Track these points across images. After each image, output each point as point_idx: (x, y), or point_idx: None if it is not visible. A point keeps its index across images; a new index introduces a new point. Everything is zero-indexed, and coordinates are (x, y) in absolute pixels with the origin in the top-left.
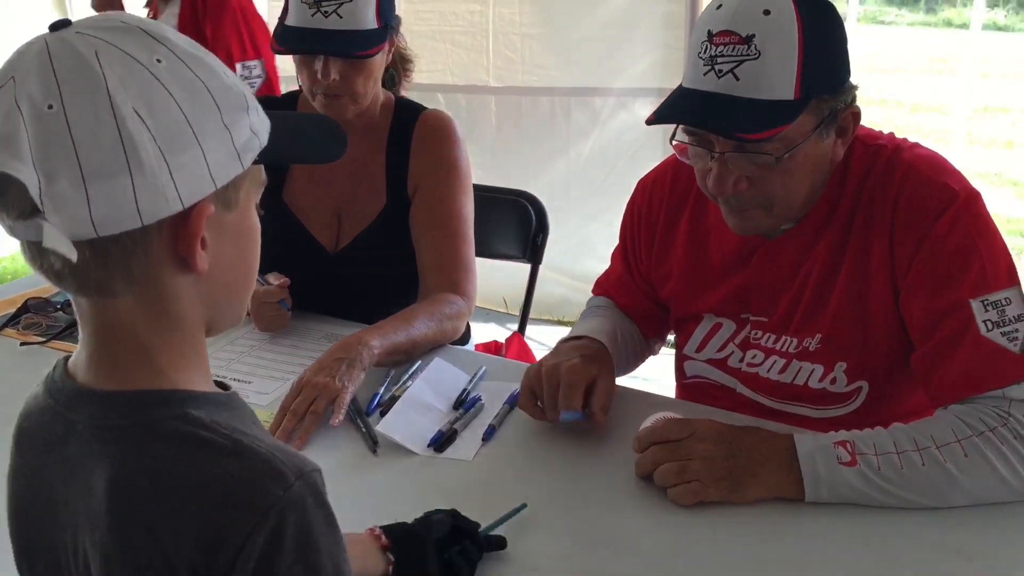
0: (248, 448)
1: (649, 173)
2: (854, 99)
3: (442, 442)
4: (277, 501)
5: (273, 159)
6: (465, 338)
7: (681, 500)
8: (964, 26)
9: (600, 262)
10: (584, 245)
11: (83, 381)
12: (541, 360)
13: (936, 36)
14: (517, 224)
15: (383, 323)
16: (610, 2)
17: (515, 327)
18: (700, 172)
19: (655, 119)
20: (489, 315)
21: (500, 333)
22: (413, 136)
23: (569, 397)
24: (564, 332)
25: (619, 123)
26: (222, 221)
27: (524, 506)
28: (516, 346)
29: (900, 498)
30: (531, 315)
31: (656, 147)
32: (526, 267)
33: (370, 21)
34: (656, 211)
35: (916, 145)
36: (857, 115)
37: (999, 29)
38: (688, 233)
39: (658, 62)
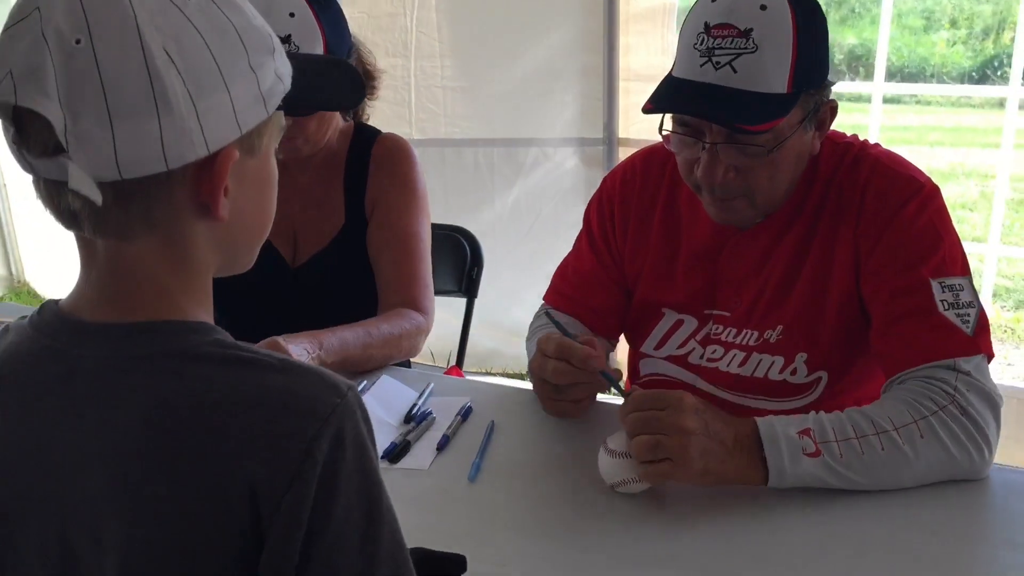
0: (296, 364)
1: (615, 168)
2: (829, 93)
3: (395, 453)
4: (336, 408)
5: (296, 105)
6: (407, 362)
7: (650, 480)
8: None
9: (529, 312)
10: (513, 296)
11: (92, 318)
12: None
13: None
14: (451, 258)
15: (339, 327)
16: (530, 55)
17: None
18: (686, 162)
19: (654, 108)
20: (416, 369)
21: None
22: (371, 158)
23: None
24: (492, 381)
25: (542, 173)
26: (245, 167)
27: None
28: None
29: (856, 483)
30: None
31: (579, 195)
32: (452, 316)
33: None
34: (629, 202)
35: (878, 145)
36: (834, 109)
37: None
38: (661, 227)
39: (579, 112)
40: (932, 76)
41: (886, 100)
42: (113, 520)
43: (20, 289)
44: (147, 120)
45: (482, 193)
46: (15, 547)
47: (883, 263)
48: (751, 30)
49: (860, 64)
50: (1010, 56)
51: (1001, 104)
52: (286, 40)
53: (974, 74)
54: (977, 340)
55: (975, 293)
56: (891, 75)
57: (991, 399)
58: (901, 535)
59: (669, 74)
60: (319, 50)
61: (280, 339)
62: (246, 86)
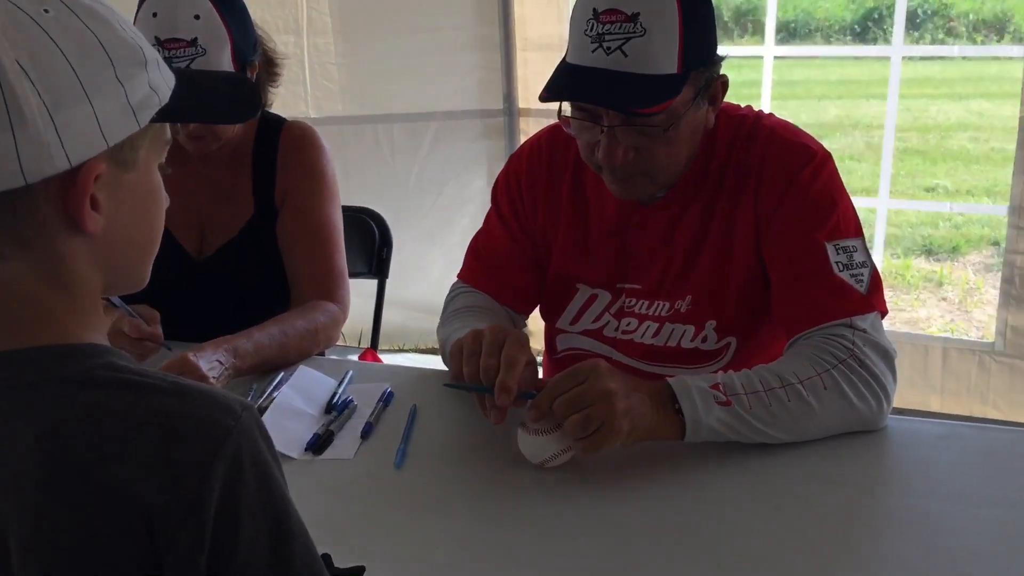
0: (188, 386)
1: (522, 146)
2: (720, 68)
3: (319, 444)
4: (230, 430)
5: (176, 118)
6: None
7: (588, 452)
8: None
9: (435, 286)
10: (418, 270)
11: None
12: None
13: None
14: (360, 240)
15: (252, 330)
16: (426, 28)
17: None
18: (587, 144)
19: (549, 96)
20: (334, 351)
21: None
22: (279, 148)
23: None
24: (405, 359)
25: (444, 146)
26: (119, 181)
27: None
28: (371, 360)
29: (766, 434)
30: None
31: (482, 166)
32: (363, 297)
33: (225, 64)
34: (537, 179)
35: (772, 115)
36: (726, 84)
37: None
38: (569, 204)
39: (478, 84)
40: (816, 30)
41: (777, 59)
42: (15, 549)
43: None
44: (2, 135)
45: (383, 169)
46: None
47: (781, 229)
48: (638, 14)
49: (748, 21)
50: (890, 8)
51: (881, 59)
52: (192, 43)
53: (856, 27)
54: (871, 299)
55: (868, 253)
56: (777, 30)
57: (887, 353)
58: (803, 487)
59: (564, 60)
60: (227, 50)
61: (190, 355)
62: (112, 98)
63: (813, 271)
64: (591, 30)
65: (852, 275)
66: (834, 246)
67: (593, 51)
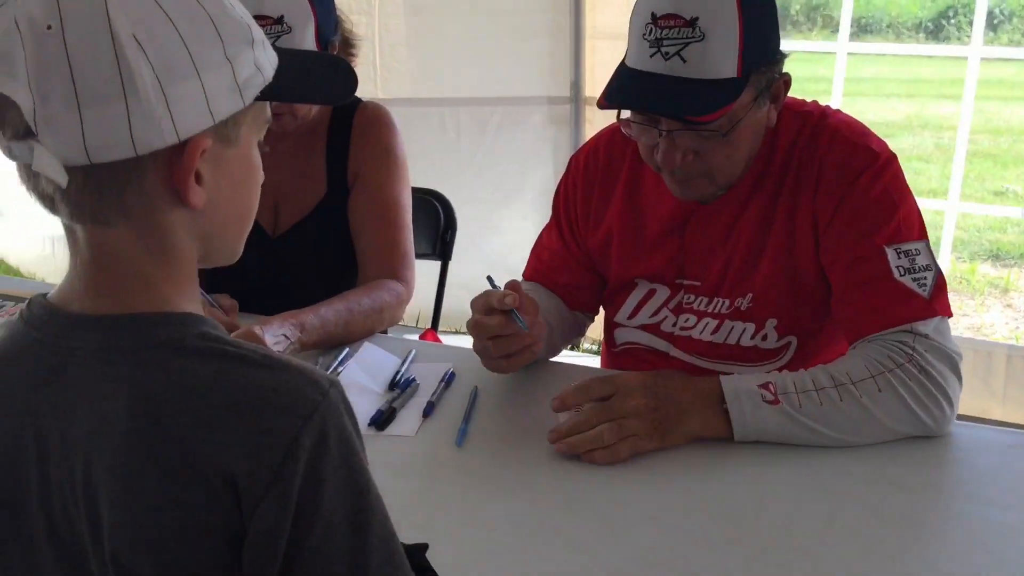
0: (279, 360)
1: (580, 149)
2: (783, 66)
3: (382, 421)
4: (317, 405)
5: (279, 97)
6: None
7: (621, 456)
8: None
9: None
10: (478, 254)
11: (80, 310)
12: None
13: None
14: (425, 222)
15: (318, 305)
16: (496, 13)
17: None
18: (646, 146)
19: (608, 104)
20: (396, 330)
21: None
22: (352, 127)
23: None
24: (463, 340)
25: (509, 132)
26: (221, 157)
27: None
28: (431, 340)
29: (821, 434)
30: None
31: (546, 153)
32: (426, 278)
33: (310, 47)
34: (590, 184)
35: (838, 111)
36: (788, 82)
37: None
38: (624, 203)
39: (545, 71)
40: (888, 27)
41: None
42: (106, 506)
43: None
44: (114, 105)
45: (448, 152)
46: (27, 534)
47: (841, 233)
48: (696, 19)
49: (818, 15)
50: (966, 7)
51: (955, 59)
52: (278, 21)
53: (929, 24)
54: (934, 303)
55: (932, 256)
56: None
57: (950, 358)
58: (866, 490)
59: (623, 62)
60: (311, 28)
61: (255, 328)
62: (220, 75)
63: (873, 276)
64: (649, 34)
65: (915, 279)
66: (895, 250)
67: (651, 55)
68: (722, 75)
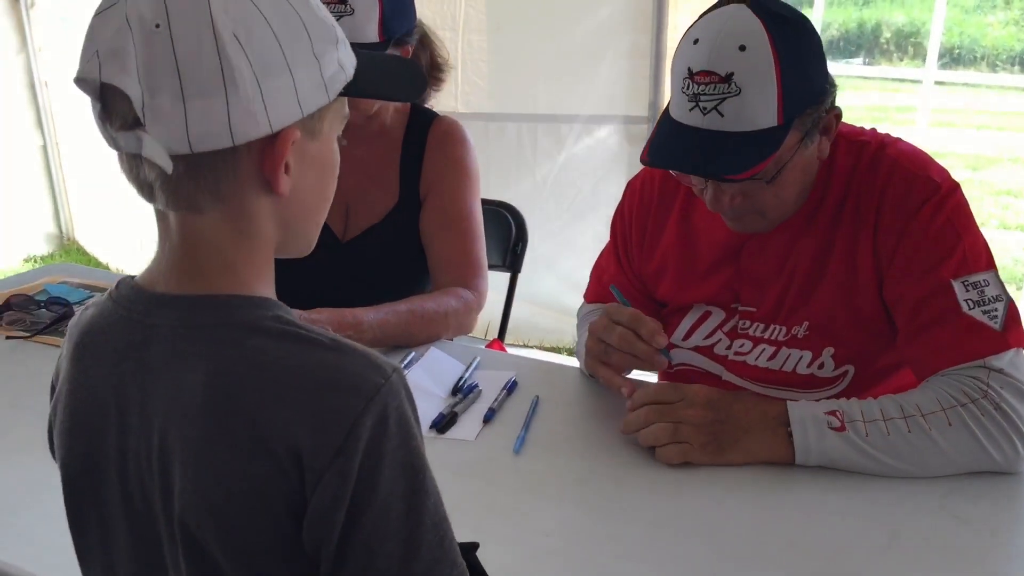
0: (346, 344)
1: (637, 175)
2: (834, 99)
3: (443, 424)
4: (381, 388)
5: (358, 93)
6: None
7: (669, 458)
8: None
9: (563, 285)
10: (550, 271)
11: (164, 290)
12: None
13: None
14: (496, 233)
15: (382, 306)
16: (577, 32)
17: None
18: (696, 187)
19: (649, 162)
20: (460, 342)
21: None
22: (428, 140)
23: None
24: (529, 354)
25: (585, 149)
26: (305, 149)
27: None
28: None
29: (886, 464)
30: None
31: (621, 172)
32: (496, 291)
33: (371, 35)
34: (646, 211)
35: (899, 140)
36: (839, 115)
37: None
38: (678, 229)
39: (623, 91)
40: (982, 58)
41: (937, 84)
42: (178, 474)
43: (70, 247)
44: (216, 98)
45: (524, 167)
46: (103, 499)
47: (903, 269)
48: (732, 74)
49: (909, 43)
50: None
51: None
52: (342, 1)
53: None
54: (1007, 334)
55: (1002, 286)
56: (941, 55)
57: None
58: (933, 524)
59: (667, 111)
60: (375, 16)
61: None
62: (309, 71)
63: (941, 313)
64: (687, 88)
65: (984, 311)
66: (962, 283)
67: (690, 110)
68: (762, 126)
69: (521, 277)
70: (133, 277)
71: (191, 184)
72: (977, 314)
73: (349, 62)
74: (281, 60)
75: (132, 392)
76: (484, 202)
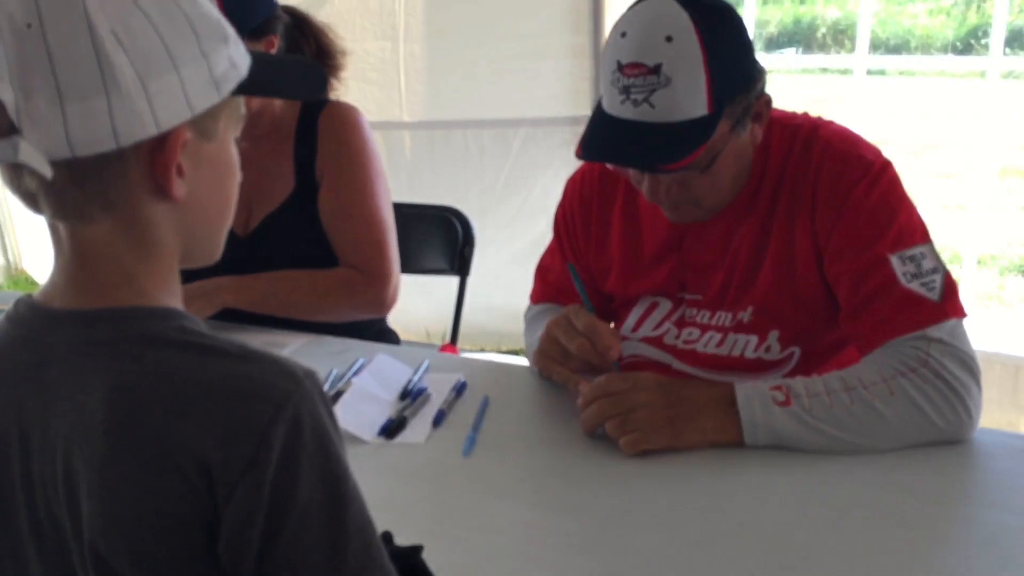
0: (254, 351)
1: (576, 171)
2: (764, 85)
3: (392, 429)
4: (292, 395)
5: (253, 92)
6: (396, 340)
7: (626, 451)
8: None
9: (518, 289)
10: (504, 275)
11: (61, 306)
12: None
13: None
14: (443, 238)
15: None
16: (516, 36)
17: None
18: (633, 178)
19: (584, 156)
20: (412, 347)
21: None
22: (319, 125)
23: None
24: (484, 357)
25: (532, 152)
26: (200, 150)
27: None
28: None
29: (832, 437)
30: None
31: (568, 172)
32: (446, 295)
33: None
34: (588, 206)
35: (830, 122)
36: (768, 101)
37: None
38: (622, 222)
39: (566, 92)
40: (916, 48)
41: (871, 73)
42: (85, 498)
43: (18, 277)
44: (96, 98)
45: (472, 173)
46: (14, 529)
47: (841, 247)
48: (660, 65)
49: (844, 37)
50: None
51: (982, 75)
52: None
53: (958, 44)
54: (944, 305)
55: (939, 258)
56: (875, 47)
57: (966, 363)
58: (881, 496)
59: (599, 105)
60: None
61: None
62: (196, 69)
63: (880, 287)
64: (617, 81)
65: (923, 283)
66: (899, 256)
67: (622, 102)
68: (693, 115)
69: (475, 282)
70: (31, 295)
71: (77, 191)
72: (915, 286)
73: (242, 60)
74: (165, 58)
75: (33, 415)
76: (430, 207)
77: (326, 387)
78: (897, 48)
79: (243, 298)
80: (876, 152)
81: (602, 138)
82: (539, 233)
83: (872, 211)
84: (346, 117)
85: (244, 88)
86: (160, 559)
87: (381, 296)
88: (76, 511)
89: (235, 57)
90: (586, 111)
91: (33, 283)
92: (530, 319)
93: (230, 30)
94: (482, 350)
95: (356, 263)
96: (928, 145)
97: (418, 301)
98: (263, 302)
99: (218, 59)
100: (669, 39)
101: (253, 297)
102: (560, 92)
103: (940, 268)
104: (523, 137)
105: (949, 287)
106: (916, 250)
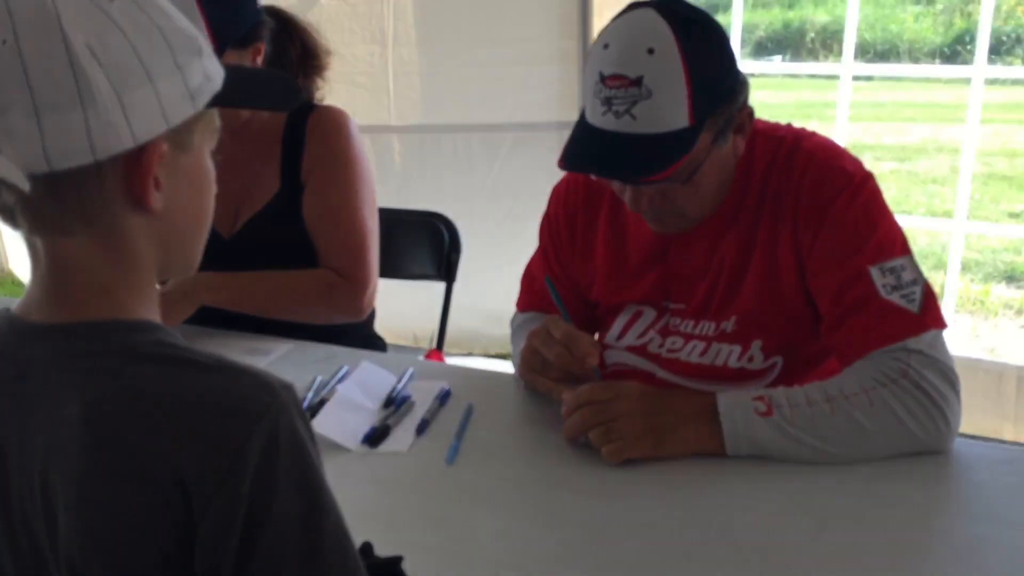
0: (231, 364)
1: (561, 180)
2: (746, 97)
3: (375, 437)
4: (269, 408)
5: (228, 103)
6: (383, 347)
7: (608, 459)
8: None
9: (506, 293)
10: (490, 278)
11: (38, 319)
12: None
13: None
14: (430, 243)
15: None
16: (505, 42)
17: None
18: (615, 187)
19: (565, 166)
20: (401, 352)
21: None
22: (307, 129)
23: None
24: (471, 362)
25: (520, 157)
26: (176, 163)
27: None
28: (436, 361)
29: (813, 448)
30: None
31: (557, 178)
32: (434, 300)
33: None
34: (572, 215)
35: (814, 134)
36: (751, 113)
37: None
38: (607, 231)
39: (554, 97)
40: (904, 53)
41: (859, 78)
42: (62, 512)
43: (4, 279)
44: (72, 112)
45: (460, 177)
46: None
47: (823, 259)
48: (641, 77)
49: (833, 41)
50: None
51: (968, 81)
52: None
53: (945, 50)
54: (924, 317)
55: (919, 270)
56: (863, 52)
57: (946, 374)
58: (861, 507)
59: (582, 115)
60: (201, 27)
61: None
62: (172, 82)
63: (860, 299)
64: (600, 92)
65: (903, 295)
66: (879, 268)
67: (603, 113)
68: (674, 127)
69: (463, 287)
70: (9, 309)
71: (54, 205)
72: (895, 298)
73: (216, 73)
74: (140, 71)
75: (10, 430)
76: (416, 212)
77: (310, 394)
78: (885, 54)
79: (221, 297)
80: (857, 164)
81: (584, 149)
82: (528, 237)
83: (852, 223)
84: (335, 120)
85: (219, 100)
86: (136, 573)
87: (358, 301)
88: (53, 524)
89: (209, 69)
90: (575, 117)
91: (20, 284)
92: (516, 328)
93: (204, 43)
94: (469, 354)
95: (335, 266)
96: (916, 150)
97: (405, 305)
98: (240, 301)
99: (193, 72)
100: (651, 51)
101: (231, 296)
102: (549, 97)
103: (920, 279)
104: (511, 142)
105: (929, 298)
106: (896, 262)
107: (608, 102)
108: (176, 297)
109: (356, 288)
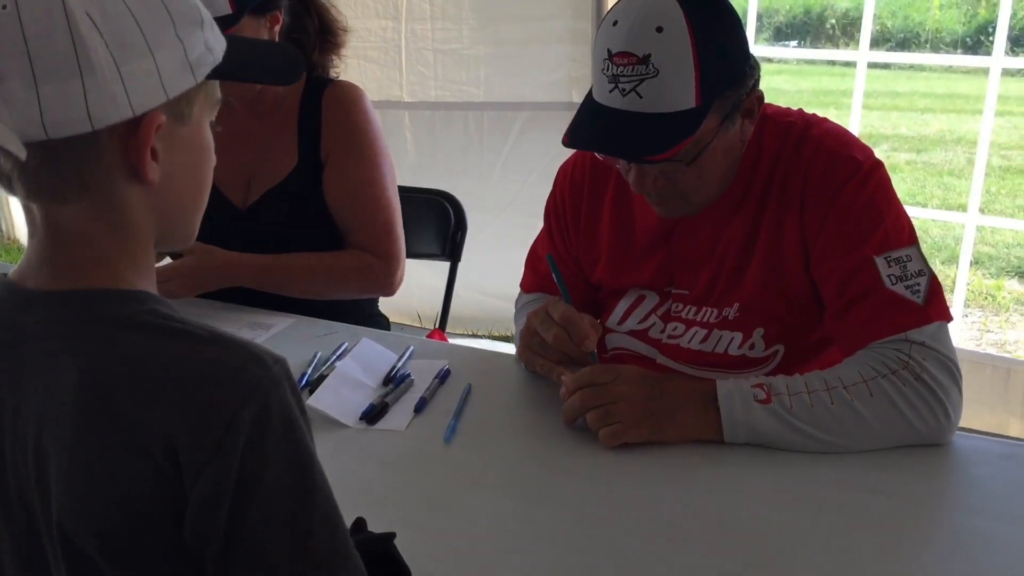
0: (224, 336)
1: (568, 159)
2: (756, 82)
3: (373, 414)
4: (261, 381)
5: (228, 76)
6: (386, 325)
7: (606, 442)
8: None
9: (513, 273)
10: (498, 258)
11: (35, 286)
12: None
13: None
14: (435, 223)
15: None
16: (519, 20)
17: None
18: (620, 167)
19: (570, 143)
20: (404, 330)
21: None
22: (323, 104)
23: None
24: (474, 343)
25: (531, 136)
26: (174, 134)
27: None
28: (438, 340)
29: (811, 437)
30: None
31: (567, 158)
32: (440, 279)
33: (221, 7)
34: (579, 195)
35: (824, 120)
36: (760, 98)
37: None
38: (612, 213)
39: (566, 77)
40: (926, 42)
41: (876, 66)
42: (54, 478)
43: (11, 247)
44: (71, 81)
45: (471, 155)
46: None
47: (829, 247)
48: (649, 56)
49: (854, 28)
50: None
51: (987, 72)
52: None
53: (968, 40)
54: (928, 308)
55: (924, 261)
56: (884, 40)
57: (947, 366)
58: (858, 498)
59: (589, 93)
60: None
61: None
62: (172, 53)
63: (865, 288)
64: (607, 70)
65: (907, 286)
66: (885, 259)
67: (610, 91)
68: (681, 107)
69: (469, 266)
70: (6, 275)
71: (51, 173)
72: (900, 289)
73: (218, 45)
74: (141, 41)
75: (5, 395)
76: (422, 191)
77: (309, 370)
78: (905, 42)
79: (260, 282)
80: (867, 152)
81: (589, 126)
82: (537, 217)
83: (860, 212)
84: (352, 96)
85: (219, 72)
86: (126, 540)
87: (391, 278)
88: (46, 492)
89: (210, 41)
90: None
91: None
92: (519, 308)
93: (205, 13)
94: (473, 335)
95: (367, 245)
96: (934, 141)
97: (410, 284)
98: (279, 287)
99: (193, 43)
100: (660, 30)
101: (272, 281)
102: (561, 77)
103: (926, 271)
104: (523, 121)
105: (934, 290)
106: (902, 252)
107: (615, 79)
108: (212, 271)
109: (390, 266)
